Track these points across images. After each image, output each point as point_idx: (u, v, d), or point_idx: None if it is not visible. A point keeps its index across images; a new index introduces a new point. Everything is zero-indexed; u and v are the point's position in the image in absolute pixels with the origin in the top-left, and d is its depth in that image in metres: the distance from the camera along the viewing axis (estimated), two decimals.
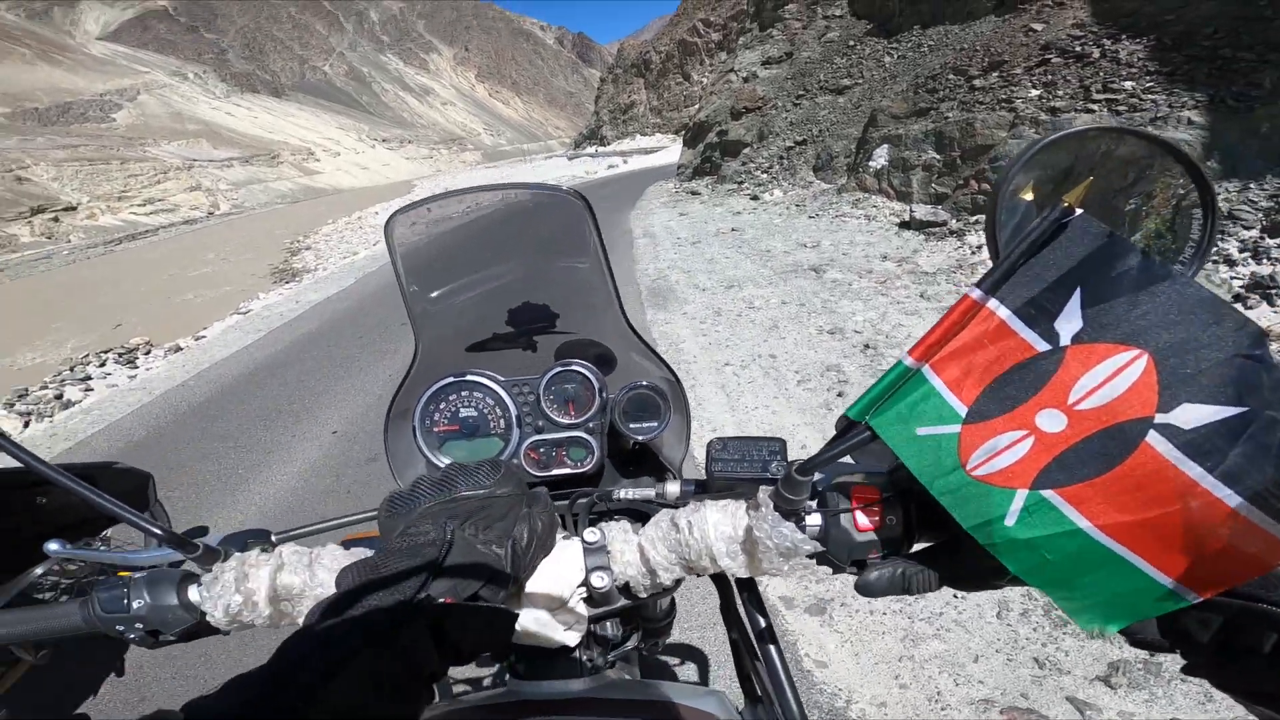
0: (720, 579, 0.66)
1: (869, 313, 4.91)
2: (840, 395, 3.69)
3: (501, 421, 0.75)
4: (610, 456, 0.79)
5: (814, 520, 0.49)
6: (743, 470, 0.53)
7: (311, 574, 0.49)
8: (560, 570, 0.49)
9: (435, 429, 0.75)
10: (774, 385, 3.93)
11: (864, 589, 0.46)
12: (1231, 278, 4.32)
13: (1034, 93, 7.49)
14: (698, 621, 2.02)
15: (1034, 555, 0.37)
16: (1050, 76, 7.51)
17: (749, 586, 0.61)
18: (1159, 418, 0.33)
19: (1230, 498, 0.32)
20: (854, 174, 9.50)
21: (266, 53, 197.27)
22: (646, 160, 33.45)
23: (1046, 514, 0.36)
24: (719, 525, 0.47)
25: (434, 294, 0.82)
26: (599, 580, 0.50)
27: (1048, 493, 0.36)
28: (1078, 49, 7.56)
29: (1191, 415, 0.32)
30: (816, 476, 0.46)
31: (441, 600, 0.41)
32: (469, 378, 0.74)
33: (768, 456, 0.53)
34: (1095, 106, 6.74)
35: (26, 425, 6.13)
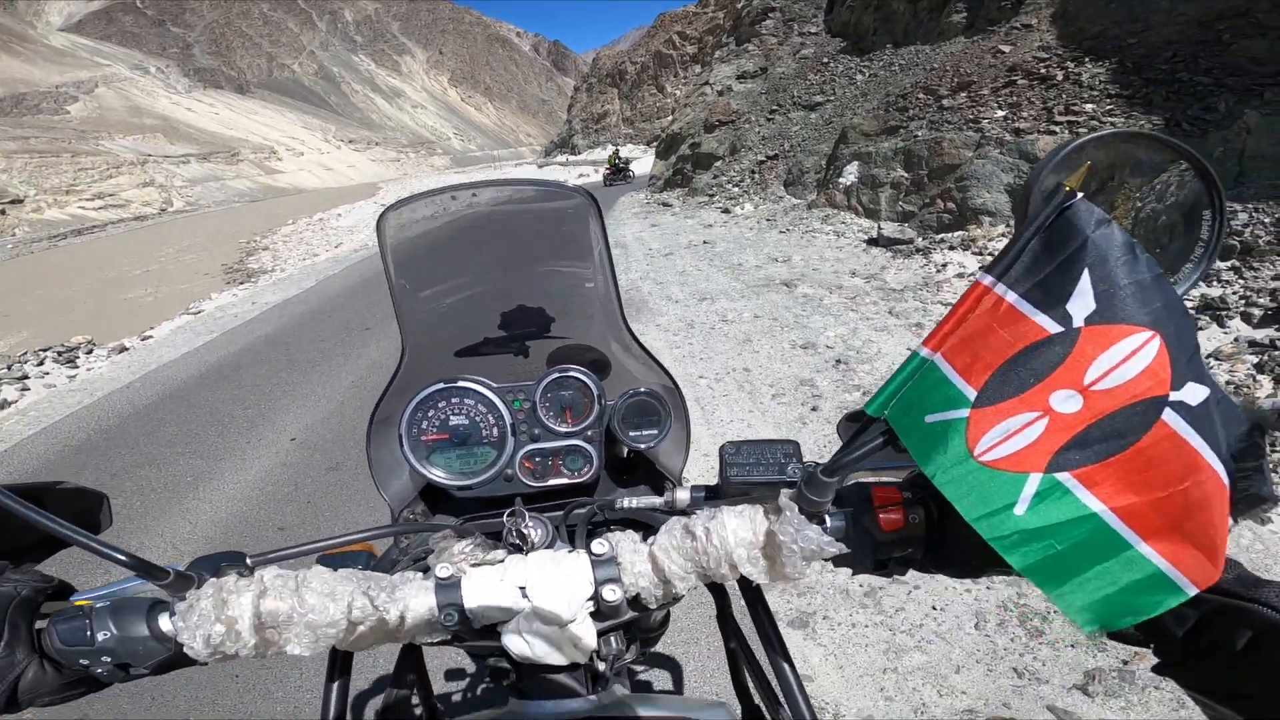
0: (717, 587, 0.62)
1: (840, 328, 4.96)
2: (815, 409, 3.71)
3: (495, 430, 0.71)
4: (605, 465, 0.76)
5: (835, 522, 0.48)
6: (759, 474, 0.52)
7: (300, 598, 0.45)
8: (569, 585, 0.47)
9: (424, 438, 0.70)
10: (748, 399, 3.92)
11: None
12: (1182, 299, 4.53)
13: (1000, 113, 7.74)
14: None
15: (1041, 547, 0.36)
16: (1016, 98, 7.77)
17: (755, 595, 0.58)
18: (1173, 395, 0.34)
19: (1222, 472, 0.33)
20: (824, 190, 9.67)
21: (234, 49, 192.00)
22: None
23: (1059, 499, 0.35)
24: (738, 531, 0.46)
25: (424, 294, 0.77)
26: (611, 594, 0.47)
27: (1062, 475, 0.35)
28: (1043, 71, 7.85)
29: (1196, 393, 0.34)
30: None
31: None
32: (460, 383, 0.70)
33: (783, 459, 0.52)
34: (1057, 128, 7.00)
35: None
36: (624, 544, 0.49)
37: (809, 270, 6.72)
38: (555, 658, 0.47)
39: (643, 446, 0.73)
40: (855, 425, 0.59)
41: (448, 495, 0.73)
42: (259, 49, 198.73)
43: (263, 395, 4.71)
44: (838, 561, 0.49)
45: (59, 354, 7.88)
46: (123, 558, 0.42)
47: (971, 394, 0.36)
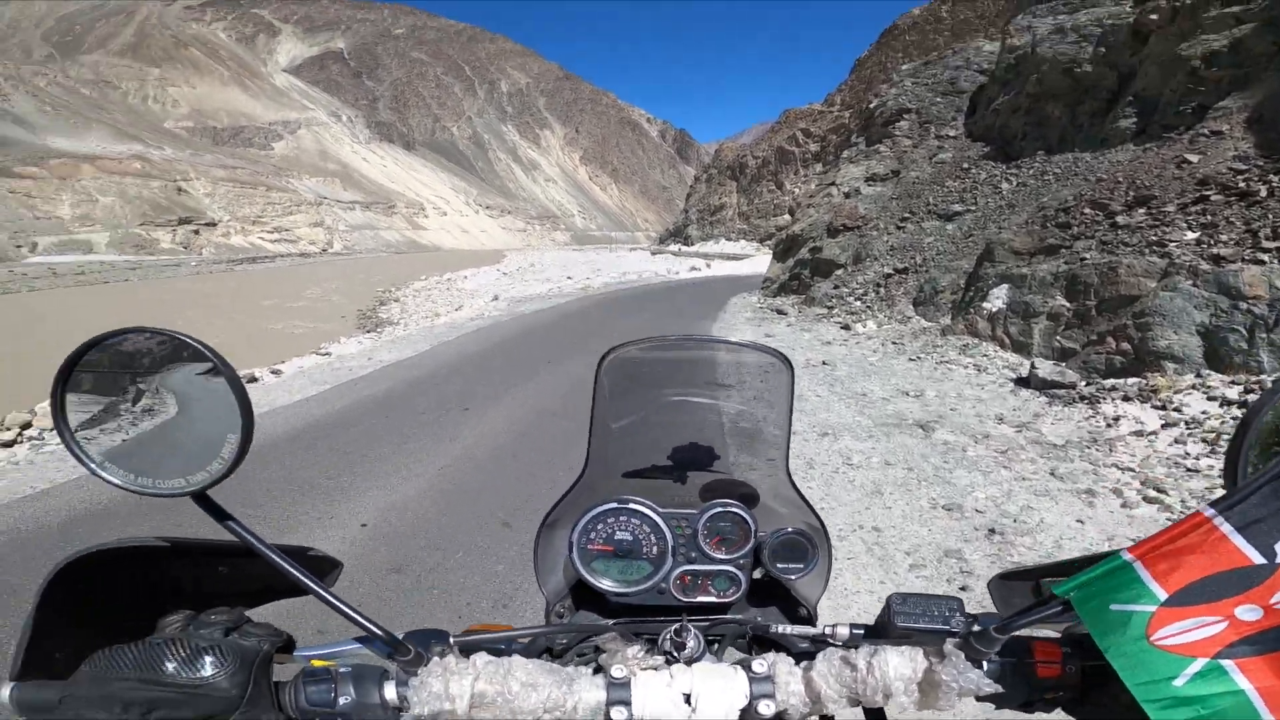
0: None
1: (990, 488, 4.15)
2: (964, 589, 2.97)
3: (655, 549, 0.77)
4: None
5: (991, 666, 0.53)
6: (924, 622, 0.54)
7: (506, 685, 0.51)
8: (728, 696, 0.52)
9: (590, 546, 0.77)
10: (879, 567, 3.22)
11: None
12: None
13: (1190, 235, 6.67)
14: None
15: (1187, 711, 0.40)
16: (1210, 217, 6.70)
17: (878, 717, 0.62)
18: None
19: None
20: (962, 314, 8.82)
21: (409, 107, 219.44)
22: (730, 267, 33.54)
23: (1217, 677, 0.40)
24: (899, 667, 0.51)
25: (615, 425, 0.85)
26: (765, 709, 0.52)
27: (1226, 662, 0.40)
28: (1241, 185, 6.76)
29: None
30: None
31: None
32: (631, 505, 0.77)
33: (948, 613, 0.54)
34: (1266, 256, 5.90)
35: None
36: (780, 665, 0.54)
37: (946, 410, 5.90)
38: None
39: (790, 578, 0.78)
40: (1008, 585, 0.66)
41: (594, 597, 0.79)
42: (428, 109, 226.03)
43: (349, 465, 4.57)
44: (982, 696, 0.53)
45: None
46: (378, 631, 0.51)
47: (1162, 596, 0.40)
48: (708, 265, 34.06)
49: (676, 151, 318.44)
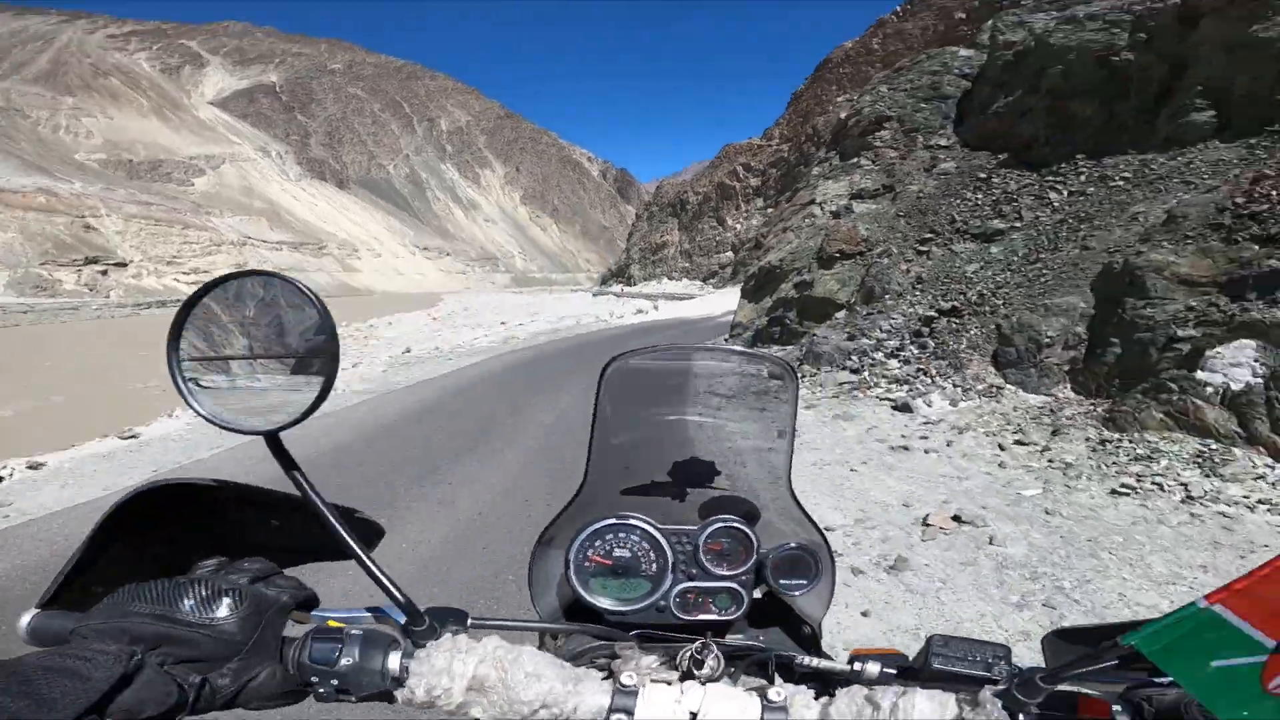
0: None
1: None
2: None
3: (654, 566, 0.75)
4: None
5: None
6: (963, 667, 0.52)
7: (509, 672, 0.50)
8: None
9: (587, 563, 0.75)
10: None
11: None
12: None
13: None
14: None
15: None
16: None
17: None
18: None
19: None
20: (1153, 392, 5.49)
21: (344, 144, 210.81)
22: (677, 308, 30.00)
23: None
24: (925, 711, 0.48)
25: (614, 440, 0.82)
26: None
27: None
28: None
29: None
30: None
31: None
32: (631, 521, 0.75)
33: (991, 659, 0.52)
34: None
35: None
36: (798, 697, 0.52)
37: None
38: None
39: (793, 595, 0.76)
40: (1063, 642, 0.59)
41: (590, 616, 0.74)
42: (364, 147, 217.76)
43: None
44: None
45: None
46: (401, 598, 0.51)
47: (1270, 644, 0.39)
48: (655, 307, 30.46)
49: (618, 191, 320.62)
